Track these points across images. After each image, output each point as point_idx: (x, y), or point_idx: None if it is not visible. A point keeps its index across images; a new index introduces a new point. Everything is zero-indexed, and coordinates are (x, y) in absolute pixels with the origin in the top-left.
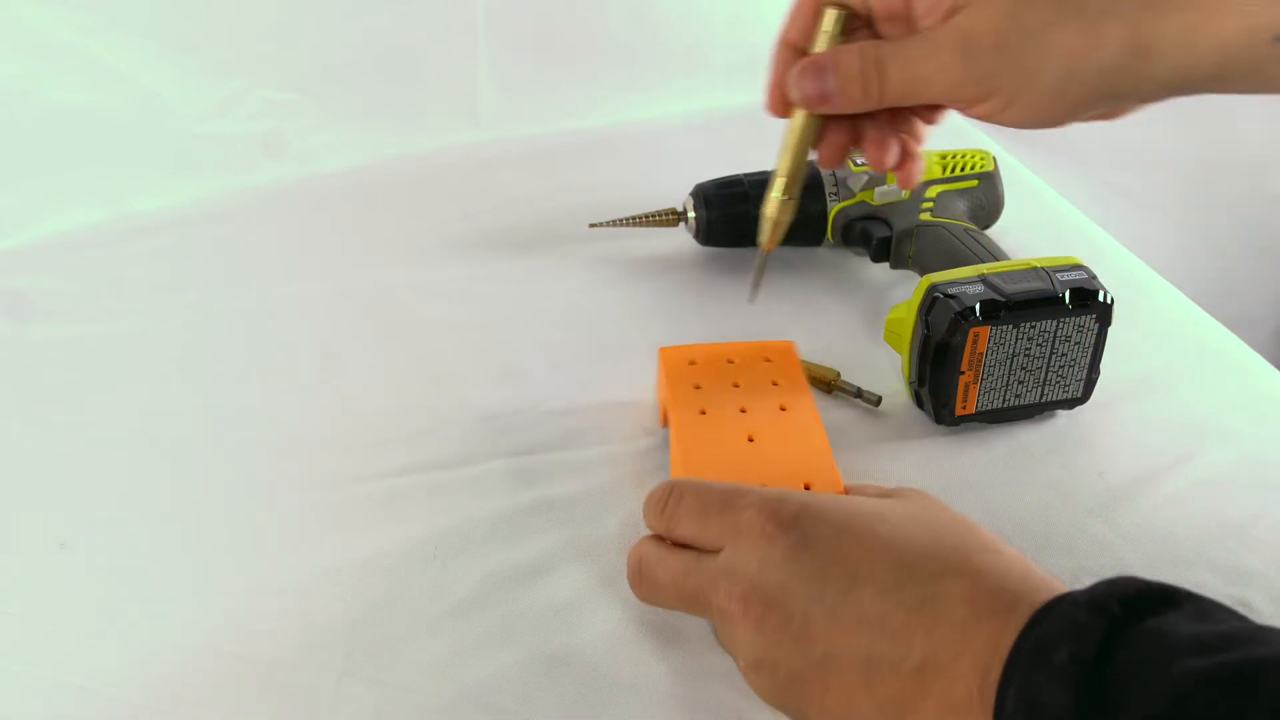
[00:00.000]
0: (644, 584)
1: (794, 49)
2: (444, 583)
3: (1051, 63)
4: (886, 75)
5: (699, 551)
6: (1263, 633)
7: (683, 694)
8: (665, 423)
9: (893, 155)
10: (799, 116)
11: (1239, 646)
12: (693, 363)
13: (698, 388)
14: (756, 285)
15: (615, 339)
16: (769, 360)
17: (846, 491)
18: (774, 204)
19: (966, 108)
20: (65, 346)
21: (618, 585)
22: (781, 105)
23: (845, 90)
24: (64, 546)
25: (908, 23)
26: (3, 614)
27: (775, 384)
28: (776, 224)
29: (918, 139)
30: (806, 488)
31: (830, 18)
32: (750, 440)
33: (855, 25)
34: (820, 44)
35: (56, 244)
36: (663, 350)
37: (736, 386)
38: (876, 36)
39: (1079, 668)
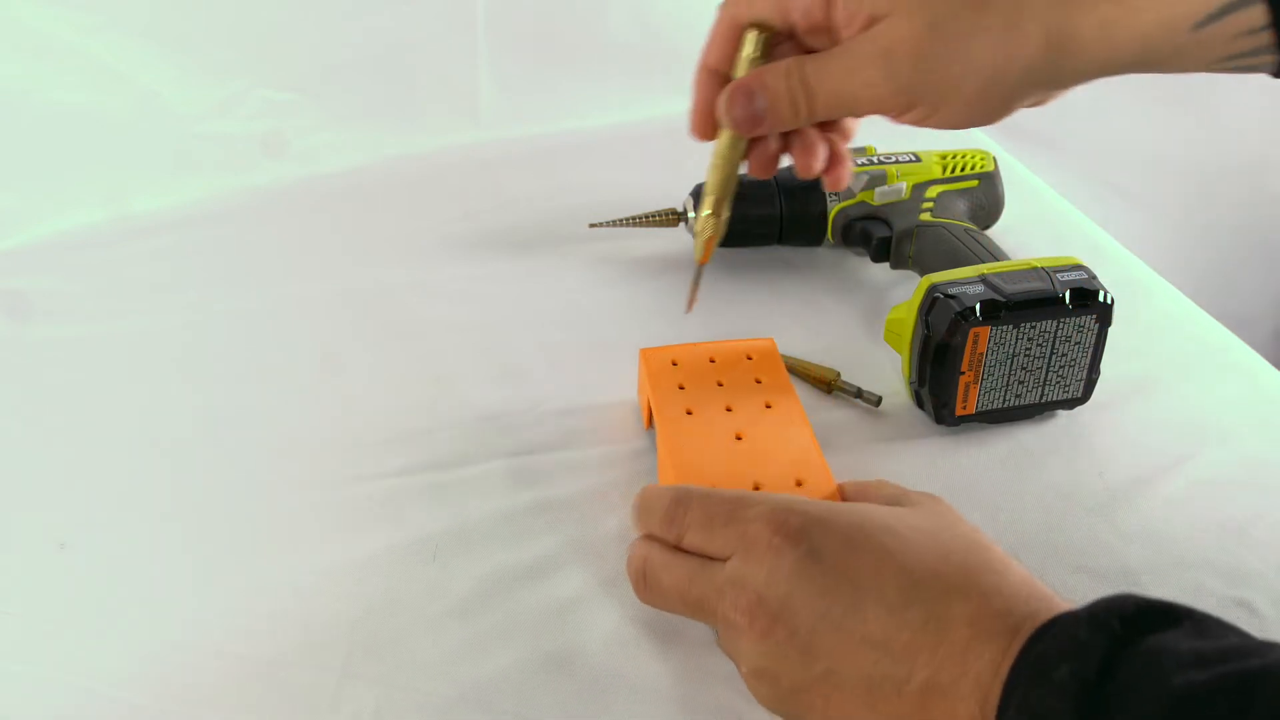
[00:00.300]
0: (648, 588)
1: (716, 73)
2: (444, 583)
3: (973, 69)
4: (813, 94)
5: (704, 558)
6: (1261, 647)
7: (682, 694)
8: (649, 424)
9: (820, 160)
10: (726, 135)
11: (1236, 659)
12: (675, 363)
13: (682, 388)
14: (692, 298)
15: (615, 339)
16: (751, 358)
17: (856, 488)
18: (703, 221)
19: (895, 116)
20: (65, 346)
21: (617, 585)
22: (707, 129)
23: (776, 112)
24: (64, 546)
25: (829, 34)
26: (3, 614)
27: (758, 381)
28: (708, 240)
29: (846, 137)
30: (798, 484)
31: (751, 41)
32: (738, 439)
33: (778, 41)
34: (742, 68)
35: (56, 244)
36: (643, 351)
37: (720, 386)
38: (801, 49)
39: (1080, 684)
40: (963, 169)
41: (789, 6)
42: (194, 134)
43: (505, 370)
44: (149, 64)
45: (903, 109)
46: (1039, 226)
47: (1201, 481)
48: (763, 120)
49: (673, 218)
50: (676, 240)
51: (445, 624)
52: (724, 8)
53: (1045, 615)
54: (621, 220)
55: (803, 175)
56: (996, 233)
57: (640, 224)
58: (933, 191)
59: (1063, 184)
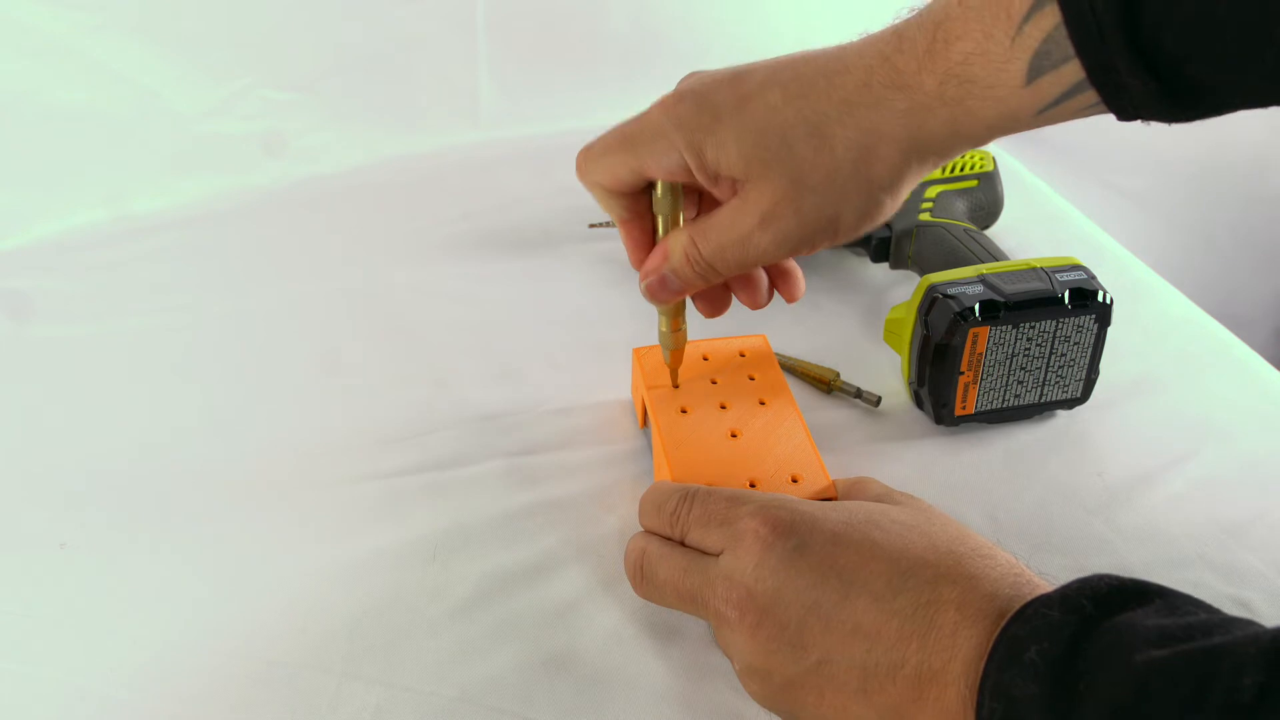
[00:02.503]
0: (644, 580)
1: (630, 224)
2: (444, 583)
3: (848, 200)
4: (714, 268)
5: (701, 552)
6: (1226, 623)
7: (682, 693)
8: (644, 423)
9: (763, 293)
10: None
11: (1201, 636)
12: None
13: (675, 386)
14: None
15: (615, 339)
16: (744, 355)
17: (846, 486)
18: (666, 337)
19: (803, 255)
20: (65, 346)
21: (617, 585)
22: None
23: (690, 286)
24: (64, 546)
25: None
26: (3, 614)
27: (752, 379)
28: (678, 352)
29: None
30: (794, 480)
31: (659, 188)
32: (733, 436)
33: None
34: (659, 208)
35: (56, 244)
36: (637, 350)
37: (714, 383)
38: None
39: (1049, 663)
40: (962, 169)
41: (646, 170)
42: (194, 134)
43: (505, 370)
44: (149, 64)
45: (805, 251)
46: (1038, 226)
47: (1201, 481)
48: (682, 293)
49: None
50: None
51: (445, 624)
52: (581, 175)
53: (1029, 598)
54: None
55: (752, 308)
56: (996, 233)
57: None
58: (932, 191)
59: (1063, 184)
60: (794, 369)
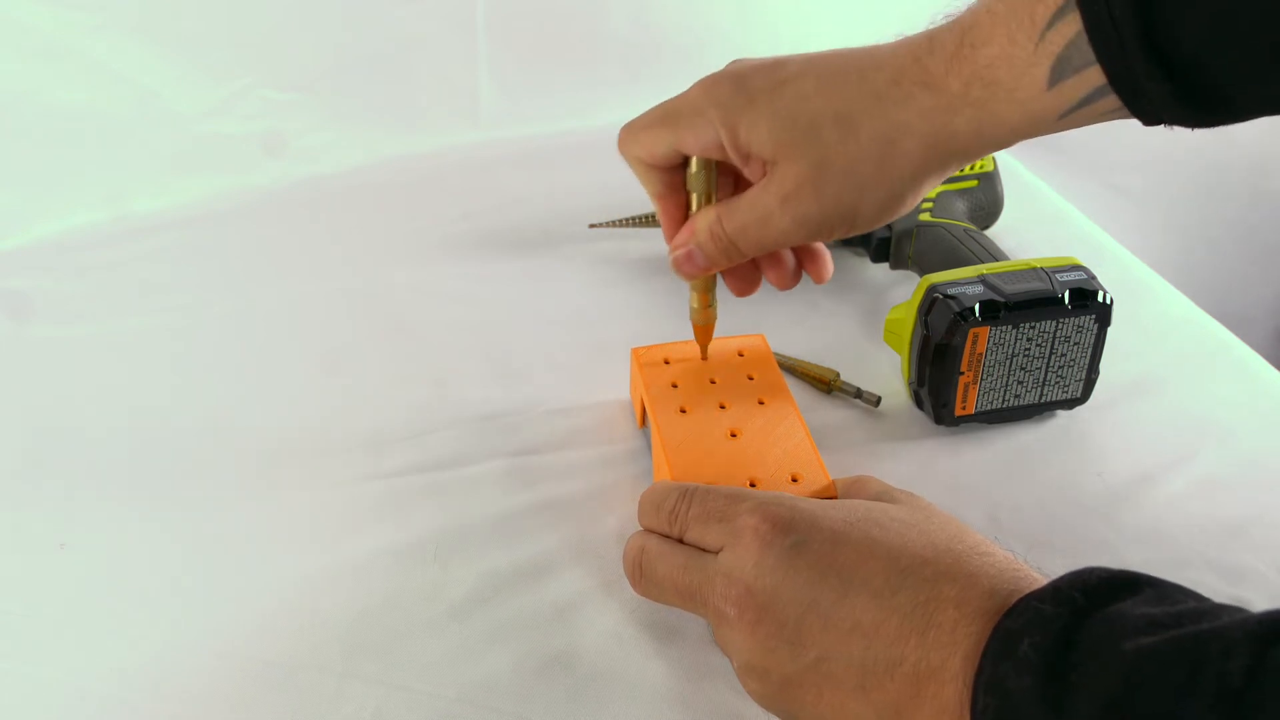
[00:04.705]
0: (643, 577)
1: (666, 199)
2: (444, 583)
3: (867, 191)
4: (738, 247)
5: (700, 550)
6: (1215, 610)
7: (681, 693)
8: (642, 423)
9: (789, 273)
10: None
11: (1190, 623)
12: (666, 361)
13: (675, 386)
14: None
15: (615, 339)
16: (742, 355)
17: (846, 485)
18: (697, 314)
19: (822, 241)
20: (65, 346)
21: (617, 585)
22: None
23: (715, 263)
24: (64, 546)
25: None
26: (3, 614)
27: (751, 378)
28: (706, 329)
29: None
30: (794, 479)
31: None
32: (733, 436)
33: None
34: (692, 184)
35: (56, 244)
36: (635, 350)
37: (713, 383)
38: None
39: (1041, 655)
40: (962, 169)
41: (683, 145)
42: (194, 134)
43: (505, 370)
44: (149, 64)
45: (824, 237)
46: (1039, 226)
47: (1201, 481)
48: (708, 268)
49: None
50: None
51: (445, 624)
52: (622, 148)
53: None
54: (621, 220)
55: (780, 288)
56: (996, 233)
57: (640, 224)
58: (932, 191)
59: (1063, 184)
60: (794, 369)
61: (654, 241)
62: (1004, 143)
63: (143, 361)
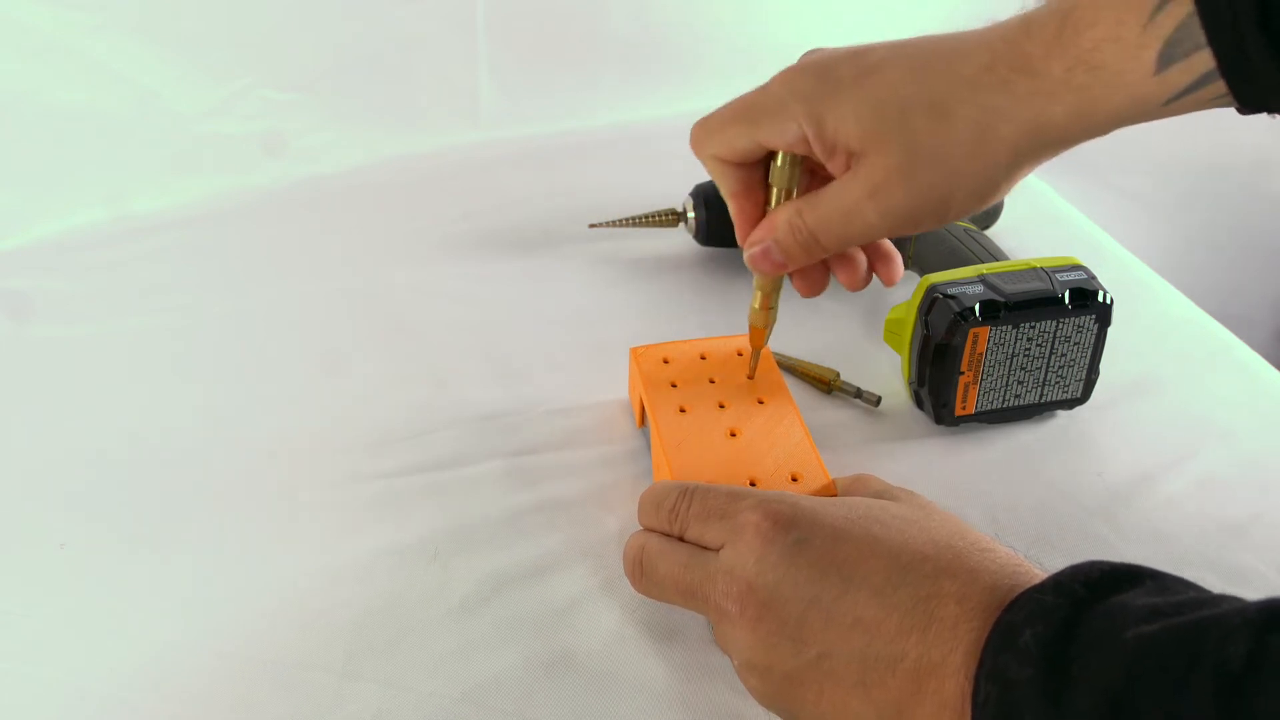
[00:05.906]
0: (644, 576)
1: (741, 196)
2: (444, 583)
3: (960, 181)
4: (819, 241)
5: (701, 548)
6: (1215, 599)
7: (682, 693)
8: (641, 423)
9: (862, 273)
10: None
11: (1191, 611)
12: (666, 361)
13: (674, 386)
14: (752, 370)
15: (615, 339)
16: (741, 354)
17: (846, 483)
18: (755, 314)
19: (906, 234)
20: (65, 346)
21: (618, 585)
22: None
23: (793, 259)
24: (64, 546)
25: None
26: (3, 614)
27: (750, 377)
28: (761, 331)
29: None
30: (794, 479)
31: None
32: (733, 435)
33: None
34: (776, 178)
35: (56, 244)
36: (634, 350)
37: (712, 382)
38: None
39: (1041, 645)
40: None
41: (766, 141)
42: (194, 134)
43: (505, 370)
44: (149, 64)
45: (909, 230)
46: (1039, 226)
47: (1201, 481)
48: (785, 265)
49: (672, 218)
50: (676, 240)
51: (445, 624)
52: (697, 146)
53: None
54: (621, 220)
55: (850, 289)
56: (996, 233)
57: (640, 224)
58: None
59: (1063, 184)
60: (794, 369)
61: (654, 241)
62: (1102, 129)
63: (143, 362)
